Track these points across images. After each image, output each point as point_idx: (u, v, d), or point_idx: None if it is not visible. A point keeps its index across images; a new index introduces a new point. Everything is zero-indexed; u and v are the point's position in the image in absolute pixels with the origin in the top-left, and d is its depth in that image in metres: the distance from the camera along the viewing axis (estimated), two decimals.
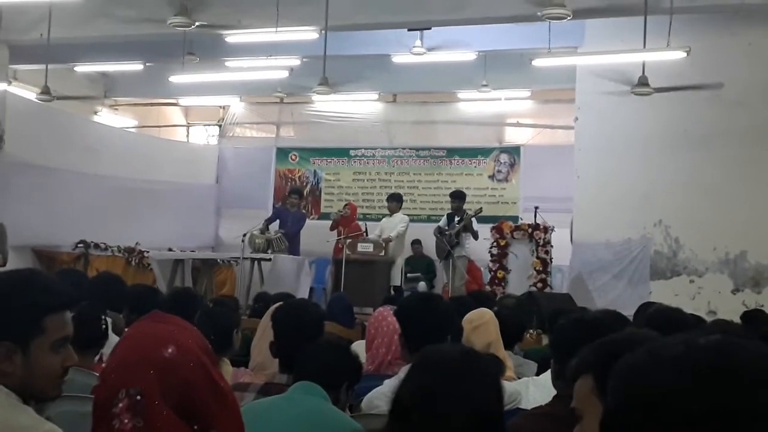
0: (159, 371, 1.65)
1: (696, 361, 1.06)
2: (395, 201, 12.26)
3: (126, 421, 1.62)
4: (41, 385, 1.99)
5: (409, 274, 12.28)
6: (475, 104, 14.86)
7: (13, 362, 1.95)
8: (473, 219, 11.23)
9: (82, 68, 13.80)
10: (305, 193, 15.35)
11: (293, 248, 11.67)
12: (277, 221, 12.08)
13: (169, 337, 1.71)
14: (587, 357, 1.83)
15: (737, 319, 5.42)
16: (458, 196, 11.62)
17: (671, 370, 1.06)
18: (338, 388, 2.87)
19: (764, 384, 1.03)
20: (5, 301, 1.98)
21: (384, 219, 12.42)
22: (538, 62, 10.35)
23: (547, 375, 2.99)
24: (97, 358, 3.83)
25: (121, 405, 1.63)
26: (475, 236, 11.27)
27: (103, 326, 3.82)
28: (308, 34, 9.83)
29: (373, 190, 15.16)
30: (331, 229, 12.60)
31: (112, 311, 4.46)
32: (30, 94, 12.32)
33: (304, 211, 13.68)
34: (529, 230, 11.24)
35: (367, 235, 12.22)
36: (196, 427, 1.66)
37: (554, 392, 2.62)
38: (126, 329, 2.08)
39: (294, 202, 12.28)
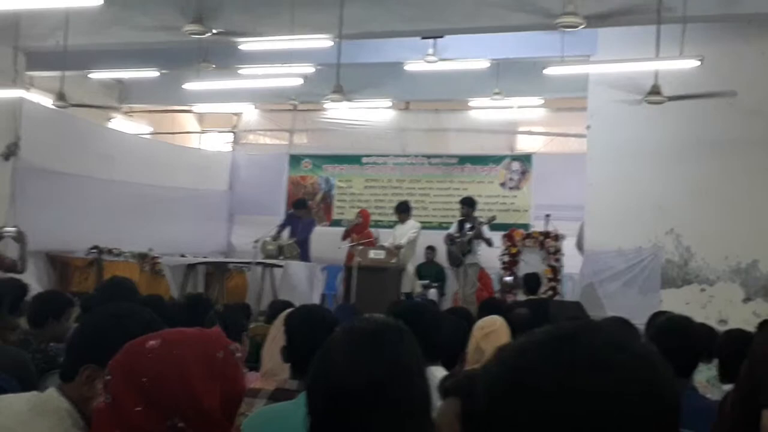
0: (127, 354, 1.72)
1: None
2: (404, 212, 12.07)
3: (102, 398, 1.73)
4: None
5: (419, 281, 12.27)
6: (487, 112, 14.89)
7: (94, 387, 1.96)
8: (485, 227, 11.22)
9: (97, 75, 13.91)
10: (317, 200, 15.42)
11: (303, 255, 11.71)
12: (289, 228, 12.14)
13: (163, 332, 1.80)
14: (455, 381, 1.83)
15: (748, 328, 5.41)
16: (468, 203, 11.61)
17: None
18: None
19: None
20: (105, 328, 2.03)
21: (396, 227, 12.40)
22: (550, 71, 10.36)
23: None
24: None
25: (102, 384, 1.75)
26: (489, 243, 11.25)
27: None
28: (322, 42, 9.88)
29: (385, 198, 15.18)
30: (343, 238, 12.43)
31: None
32: (46, 100, 12.41)
33: (314, 218, 13.74)
34: (540, 238, 11.25)
35: (378, 242, 12.20)
36: (181, 424, 1.67)
37: None
38: None
39: (300, 213, 12.32)
